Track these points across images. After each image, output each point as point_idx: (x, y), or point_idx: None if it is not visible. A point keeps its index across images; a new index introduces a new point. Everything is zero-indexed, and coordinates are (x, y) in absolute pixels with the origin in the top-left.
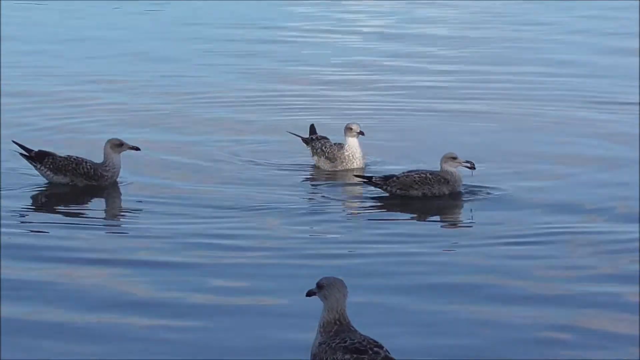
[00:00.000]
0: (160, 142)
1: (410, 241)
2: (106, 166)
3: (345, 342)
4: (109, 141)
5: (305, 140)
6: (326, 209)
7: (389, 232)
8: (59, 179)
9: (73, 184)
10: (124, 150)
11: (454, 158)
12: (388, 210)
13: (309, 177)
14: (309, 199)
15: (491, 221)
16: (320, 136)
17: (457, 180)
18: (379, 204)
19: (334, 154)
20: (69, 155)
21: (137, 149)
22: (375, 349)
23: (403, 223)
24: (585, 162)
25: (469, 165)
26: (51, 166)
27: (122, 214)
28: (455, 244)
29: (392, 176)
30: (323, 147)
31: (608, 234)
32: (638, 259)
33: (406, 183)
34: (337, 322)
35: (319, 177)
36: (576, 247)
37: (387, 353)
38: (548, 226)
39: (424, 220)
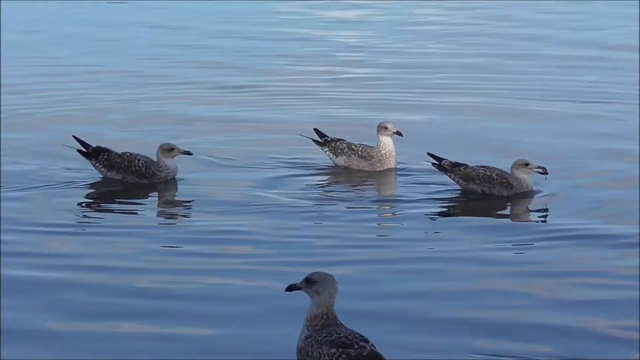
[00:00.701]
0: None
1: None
2: (160, 166)
3: (332, 336)
4: (160, 146)
5: (320, 143)
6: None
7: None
8: (112, 175)
9: (125, 181)
10: (176, 155)
11: (527, 164)
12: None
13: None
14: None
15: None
16: (336, 138)
17: (523, 187)
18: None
19: (368, 153)
20: (124, 152)
21: (189, 153)
22: (361, 343)
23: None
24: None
25: (541, 170)
26: (105, 162)
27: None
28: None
29: (461, 164)
30: (352, 146)
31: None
32: None
33: (469, 176)
34: (324, 317)
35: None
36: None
37: (372, 347)
38: None
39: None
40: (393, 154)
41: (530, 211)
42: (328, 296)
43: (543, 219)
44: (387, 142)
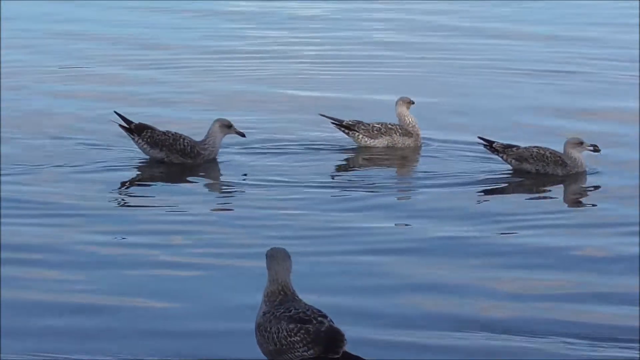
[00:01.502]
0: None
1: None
2: (205, 144)
3: (290, 311)
4: (218, 120)
5: (344, 126)
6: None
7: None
8: (155, 153)
9: (168, 160)
10: (231, 133)
11: (580, 143)
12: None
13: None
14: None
15: None
16: (355, 120)
17: (577, 166)
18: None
19: (407, 130)
20: (167, 131)
21: (243, 135)
22: (320, 318)
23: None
24: None
25: (592, 148)
26: (149, 140)
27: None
28: None
29: (513, 146)
30: (389, 126)
31: None
32: None
33: (523, 155)
34: (282, 293)
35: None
36: None
37: (331, 322)
38: None
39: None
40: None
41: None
42: (275, 272)
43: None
44: (412, 116)
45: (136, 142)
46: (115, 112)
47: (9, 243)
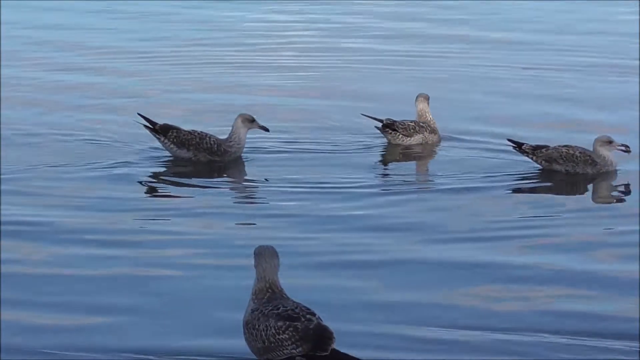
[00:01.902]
0: None
1: None
2: (231, 141)
3: (278, 309)
4: (240, 115)
5: (384, 125)
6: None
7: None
8: (182, 153)
9: (196, 159)
10: (254, 128)
11: (610, 142)
12: None
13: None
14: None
15: None
16: (390, 120)
17: (607, 164)
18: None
19: (432, 127)
20: (193, 130)
21: (267, 129)
22: (308, 315)
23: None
24: None
25: (623, 148)
26: (175, 140)
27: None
28: None
29: (542, 147)
30: (420, 124)
31: None
32: None
33: (552, 156)
34: (269, 290)
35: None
36: None
37: (319, 320)
38: None
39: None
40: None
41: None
42: (262, 270)
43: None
44: (430, 113)
45: (162, 143)
46: (139, 114)
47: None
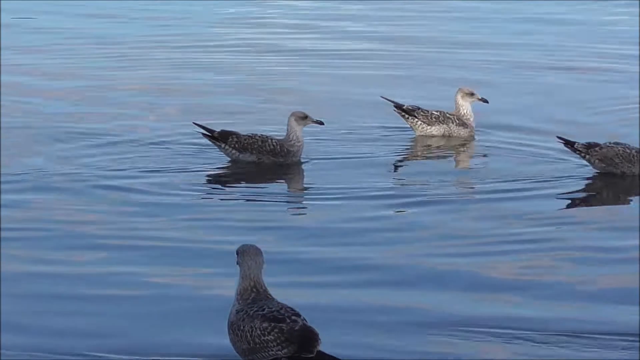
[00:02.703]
0: None
1: None
2: (291, 141)
3: (264, 310)
4: (292, 114)
5: (404, 109)
6: None
7: None
8: (245, 157)
9: (260, 162)
10: (308, 124)
11: None
12: None
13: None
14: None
15: None
16: (414, 106)
17: None
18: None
19: (463, 121)
20: (252, 133)
21: (321, 123)
22: (293, 317)
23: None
24: None
25: None
26: (236, 145)
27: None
28: None
29: (595, 145)
30: (447, 114)
31: None
32: None
33: (608, 156)
34: (254, 290)
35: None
36: None
37: (304, 321)
38: None
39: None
40: (472, 118)
41: None
42: (248, 268)
43: None
44: (468, 107)
45: (223, 150)
46: (195, 123)
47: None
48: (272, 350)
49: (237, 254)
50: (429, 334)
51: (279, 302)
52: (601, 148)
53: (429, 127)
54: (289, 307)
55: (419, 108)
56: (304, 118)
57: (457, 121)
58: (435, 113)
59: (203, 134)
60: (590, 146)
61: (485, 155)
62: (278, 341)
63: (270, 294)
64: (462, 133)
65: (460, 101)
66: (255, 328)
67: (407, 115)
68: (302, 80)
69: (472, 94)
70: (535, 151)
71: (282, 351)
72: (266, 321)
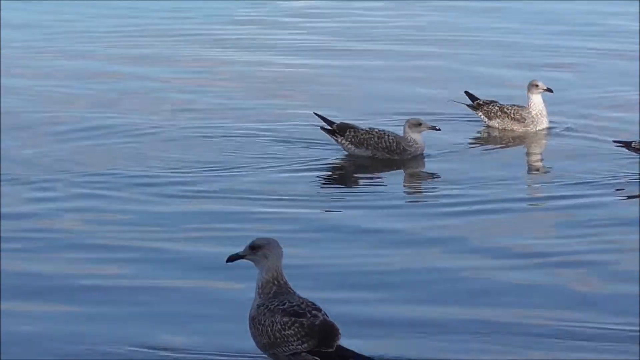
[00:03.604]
0: None
1: None
2: (409, 142)
3: (284, 304)
4: (407, 121)
5: (472, 107)
6: None
7: None
8: (360, 152)
9: (374, 156)
10: (423, 130)
11: None
12: None
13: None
14: None
15: None
16: (488, 100)
17: None
18: None
19: (521, 115)
20: (370, 128)
21: (437, 129)
22: (314, 312)
23: None
24: None
25: None
26: (353, 139)
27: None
28: None
29: None
30: (505, 109)
31: None
32: None
33: None
34: (275, 282)
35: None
36: None
37: (325, 316)
38: None
39: None
40: (544, 112)
41: None
42: (276, 259)
43: None
44: (537, 102)
45: (340, 143)
46: (315, 114)
47: None
48: (293, 345)
49: (259, 247)
50: None
51: (300, 297)
52: None
53: (489, 121)
54: (310, 302)
55: (490, 103)
56: (418, 125)
57: (512, 116)
58: (495, 107)
59: (322, 127)
60: None
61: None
62: (298, 336)
63: (291, 288)
64: (515, 127)
65: (528, 94)
66: (276, 322)
67: (474, 110)
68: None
69: (536, 86)
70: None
71: (302, 346)
72: (287, 316)
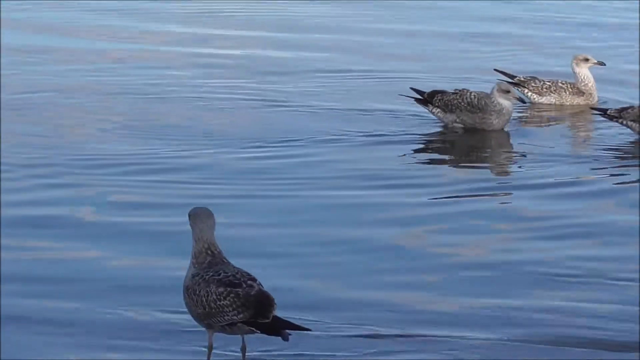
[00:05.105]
0: None
1: None
2: (493, 102)
3: (219, 274)
4: (497, 84)
5: (516, 82)
6: None
7: None
8: (449, 118)
9: (461, 122)
10: (509, 99)
11: None
12: None
13: None
14: None
15: None
16: (529, 76)
17: None
18: None
19: (578, 89)
20: (456, 89)
21: (523, 101)
22: (249, 282)
23: None
24: None
25: None
26: (439, 104)
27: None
28: None
29: (628, 107)
30: (560, 83)
31: None
32: None
33: None
34: (209, 252)
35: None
36: None
37: (260, 286)
38: None
39: None
40: (594, 85)
41: None
42: (199, 230)
43: None
44: (588, 75)
45: (431, 112)
46: (411, 88)
47: None
48: (228, 315)
49: (189, 217)
50: None
51: (234, 267)
52: (633, 109)
53: (539, 97)
54: (245, 272)
55: (534, 78)
56: (506, 92)
57: (571, 89)
58: (547, 83)
59: (415, 99)
60: (623, 110)
61: None
62: (234, 306)
63: (226, 258)
64: (576, 101)
65: (576, 69)
66: (211, 293)
67: (519, 88)
68: None
69: (586, 60)
70: None
71: (238, 316)
72: (222, 286)
